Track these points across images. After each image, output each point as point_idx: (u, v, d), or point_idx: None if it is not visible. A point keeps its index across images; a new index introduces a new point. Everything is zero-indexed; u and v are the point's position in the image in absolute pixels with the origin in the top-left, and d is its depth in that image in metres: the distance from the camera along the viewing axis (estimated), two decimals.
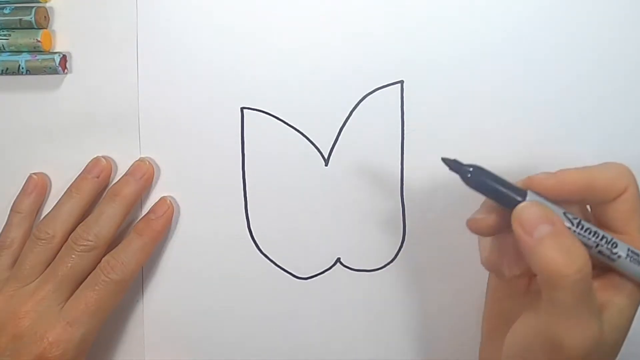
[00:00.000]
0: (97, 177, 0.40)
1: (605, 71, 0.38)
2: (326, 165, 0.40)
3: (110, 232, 0.38)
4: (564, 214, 0.29)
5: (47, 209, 0.40)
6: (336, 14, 0.39)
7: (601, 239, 0.29)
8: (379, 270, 0.40)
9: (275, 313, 0.41)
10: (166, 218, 0.40)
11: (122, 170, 0.41)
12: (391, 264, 0.40)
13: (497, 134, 0.39)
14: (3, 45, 0.40)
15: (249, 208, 0.40)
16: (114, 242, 0.39)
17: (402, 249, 0.40)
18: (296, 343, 0.41)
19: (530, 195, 0.29)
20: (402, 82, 0.39)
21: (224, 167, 0.40)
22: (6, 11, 0.40)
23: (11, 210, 0.41)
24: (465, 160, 0.30)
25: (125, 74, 0.40)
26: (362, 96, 0.39)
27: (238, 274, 0.41)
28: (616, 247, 0.29)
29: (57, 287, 0.37)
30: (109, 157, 0.41)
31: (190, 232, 0.41)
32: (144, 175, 0.40)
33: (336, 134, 0.40)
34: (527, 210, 0.28)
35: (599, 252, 0.29)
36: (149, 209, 0.40)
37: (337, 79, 0.39)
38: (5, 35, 0.40)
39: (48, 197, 0.41)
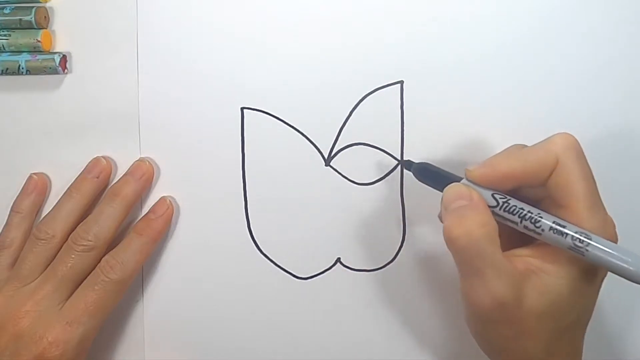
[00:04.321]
0: (97, 177, 0.40)
1: (606, 72, 0.38)
2: (326, 165, 0.40)
3: (110, 232, 0.38)
4: (492, 195, 0.32)
5: (47, 209, 0.40)
6: (336, 14, 0.39)
7: (524, 216, 0.31)
8: (379, 270, 0.40)
9: (275, 313, 0.41)
10: (166, 218, 0.40)
11: (122, 170, 0.41)
12: (391, 264, 0.40)
13: (497, 134, 0.39)
14: (3, 45, 0.40)
15: (249, 208, 0.40)
16: (114, 242, 0.39)
17: (402, 249, 0.40)
18: (296, 343, 0.41)
19: (463, 182, 0.33)
20: (402, 82, 0.39)
21: (224, 167, 0.40)
22: (6, 11, 0.40)
23: (11, 210, 0.41)
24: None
25: (125, 74, 0.40)
26: (362, 96, 0.39)
27: (238, 274, 0.41)
28: (539, 222, 0.30)
29: (56, 287, 0.37)
30: (109, 157, 0.41)
31: (190, 232, 0.41)
32: (144, 175, 0.40)
33: (336, 134, 0.40)
34: (448, 189, 0.32)
35: (525, 227, 0.31)
36: (149, 209, 0.40)
37: (337, 79, 0.39)
38: (5, 35, 0.40)
39: (48, 197, 0.41)
